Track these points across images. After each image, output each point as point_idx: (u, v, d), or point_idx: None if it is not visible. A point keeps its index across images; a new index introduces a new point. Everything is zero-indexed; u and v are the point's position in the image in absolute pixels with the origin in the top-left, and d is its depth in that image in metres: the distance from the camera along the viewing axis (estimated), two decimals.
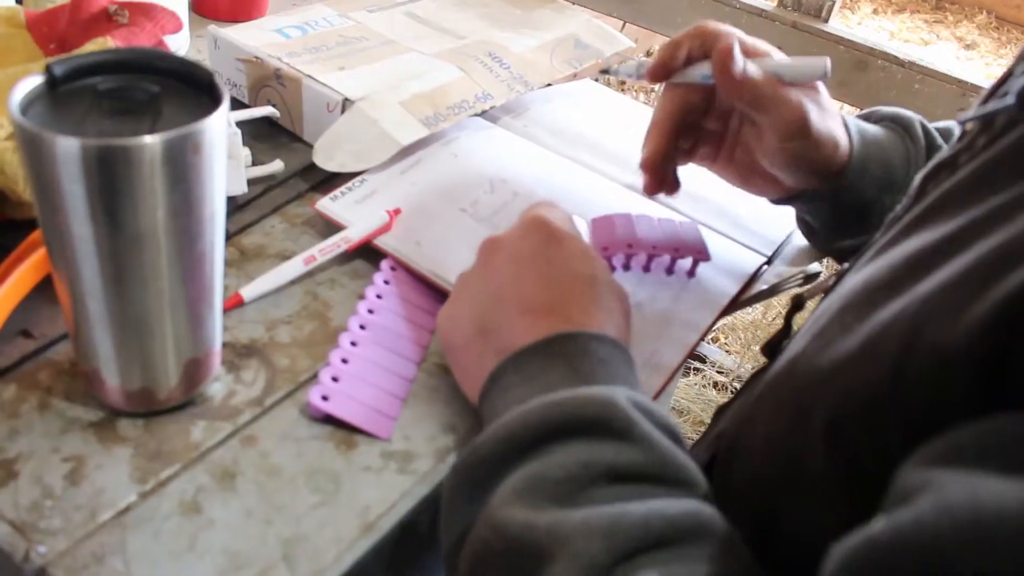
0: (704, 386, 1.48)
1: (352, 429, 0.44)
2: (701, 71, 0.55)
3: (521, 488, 0.34)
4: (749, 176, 0.60)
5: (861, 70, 1.15)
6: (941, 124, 0.61)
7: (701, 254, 0.59)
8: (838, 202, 0.57)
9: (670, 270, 0.59)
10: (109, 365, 0.41)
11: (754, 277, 0.61)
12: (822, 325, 0.36)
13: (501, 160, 0.65)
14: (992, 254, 0.29)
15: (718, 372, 1.51)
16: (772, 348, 0.54)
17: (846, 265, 0.47)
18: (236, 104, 0.68)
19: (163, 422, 0.43)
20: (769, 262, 0.63)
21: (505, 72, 0.71)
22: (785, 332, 0.54)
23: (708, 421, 1.39)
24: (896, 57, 1.13)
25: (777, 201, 0.62)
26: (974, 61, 3.22)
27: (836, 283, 0.45)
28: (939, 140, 0.59)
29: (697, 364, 1.53)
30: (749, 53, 0.54)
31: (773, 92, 0.52)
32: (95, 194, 0.35)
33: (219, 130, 0.37)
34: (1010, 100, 0.36)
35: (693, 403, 1.43)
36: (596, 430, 0.35)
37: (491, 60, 0.71)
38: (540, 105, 0.76)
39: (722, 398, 1.48)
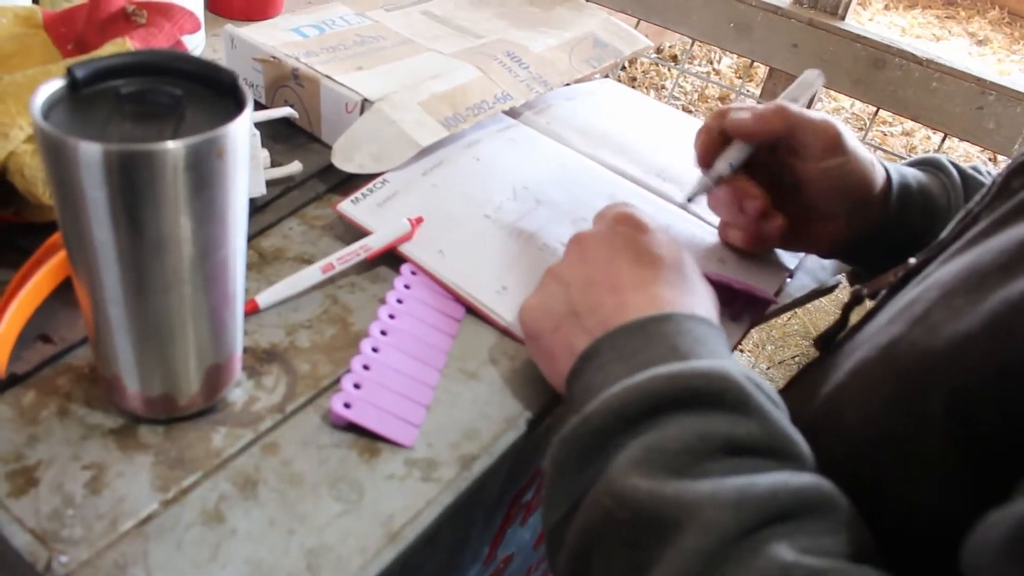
0: None
1: (375, 436, 0.43)
2: (727, 162, 0.58)
3: (640, 459, 0.34)
4: (803, 225, 0.59)
5: (878, 68, 1.14)
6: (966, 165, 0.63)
7: (764, 294, 0.57)
8: (888, 239, 0.57)
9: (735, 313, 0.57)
10: (130, 371, 0.40)
11: (779, 291, 0.61)
12: (920, 312, 0.37)
13: (523, 166, 0.64)
14: None
15: None
16: (826, 341, 0.54)
17: (912, 261, 0.46)
18: (254, 105, 0.67)
19: (184, 429, 0.42)
20: (791, 275, 0.62)
21: (524, 72, 0.70)
22: (841, 325, 0.54)
23: None
24: (913, 55, 1.12)
25: (830, 254, 0.62)
26: (986, 57, 3.19)
27: (907, 277, 0.45)
28: (971, 171, 0.61)
29: None
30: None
31: (801, 115, 0.55)
32: (117, 200, 0.34)
33: (243, 134, 0.37)
34: None
35: None
36: (710, 402, 0.36)
37: (510, 60, 0.70)
38: (562, 103, 0.75)
39: None
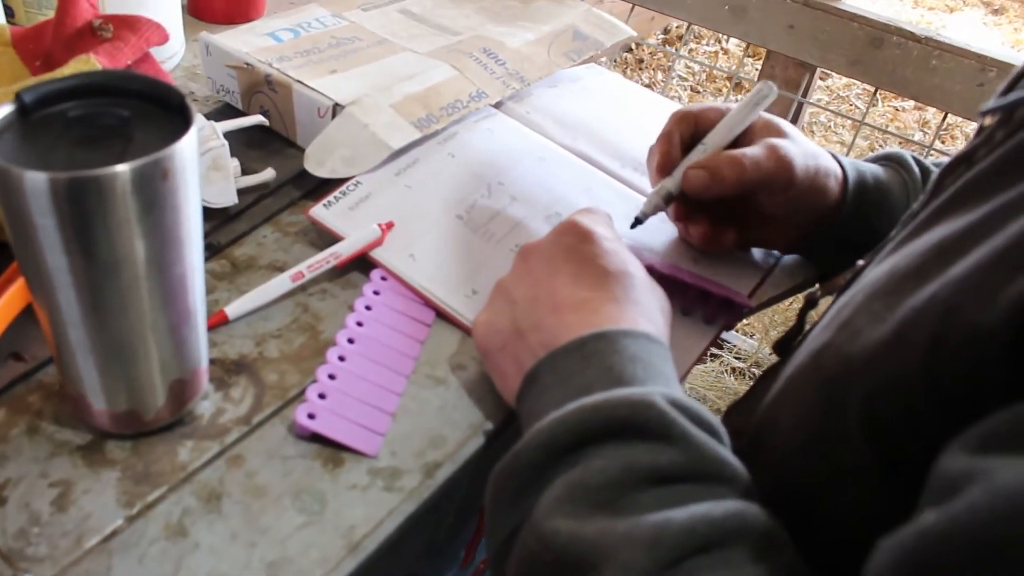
0: (722, 372, 1.46)
1: (339, 447, 0.44)
2: (676, 183, 0.56)
3: (564, 497, 0.35)
4: (757, 227, 0.59)
5: (876, 47, 1.12)
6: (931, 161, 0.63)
7: (740, 298, 0.56)
8: (845, 237, 0.56)
9: (708, 317, 0.56)
10: (94, 389, 0.41)
11: (754, 291, 0.60)
12: (847, 316, 0.37)
13: (499, 161, 0.64)
14: None
15: (736, 358, 1.49)
16: (784, 345, 0.54)
17: (860, 263, 0.46)
18: (230, 110, 0.67)
19: (151, 443, 0.43)
20: (769, 273, 0.62)
21: (500, 68, 0.69)
22: (798, 329, 0.54)
23: (724, 409, 1.38)
24: (912, 33, 1.10)
25: (788, 250, 0.62)
26: (1002, 27, 3.13)
27: (852, 280, 0.45)
28: (933, 168, 0.61)
29: (714, 350, 1.51)
30: (709, 114, 0.57)
31: (756, 167, 0.52)
32: (67, 226, 0.35)
33: (189, 153, 0.37)
34: None
35: (710, 390, 1.41)
36: (634, 432, 0.36)
37: (486, 57, 0.70)
38: (544, 90, 0.75)
39: (740, 385, 1.46)
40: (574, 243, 0.46)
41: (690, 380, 1.42)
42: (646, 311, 0.44)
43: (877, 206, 0.55)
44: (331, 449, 0.44)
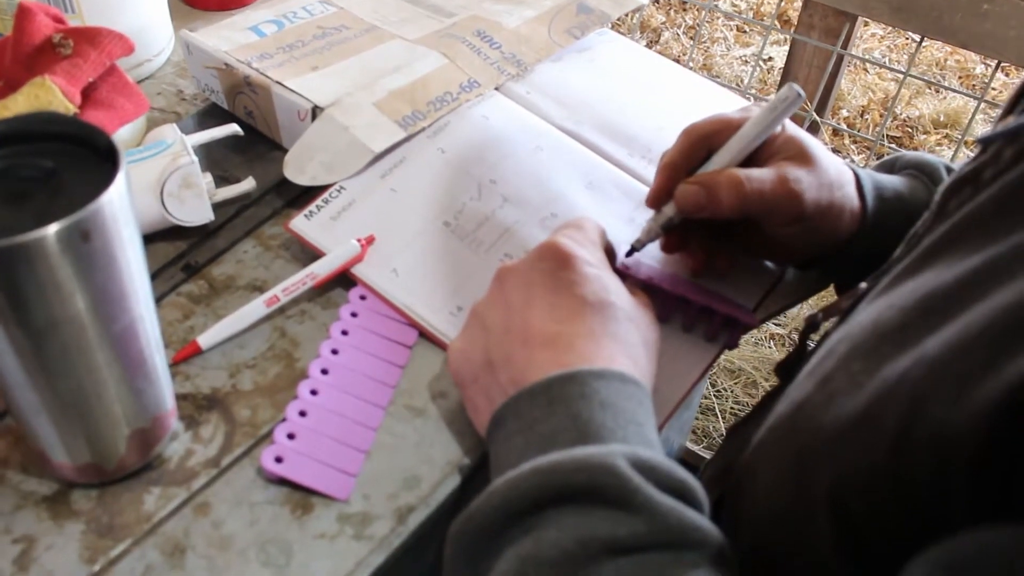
0: (759, 342, 1.40)
1: (309, 490, 0.42)
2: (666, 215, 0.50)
3: (514, 573, 0.32)
4: (764, 246, 0.54)
5: None
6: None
7: (746, 316, 0.51)
8: (861, 260, 0.51)
9: (711, 334, 0.52)
10: (52, 444, 0.40)
11: (760, 303, 0.56)
12: (828, 370, 0.33)
13: (492, 154, 0.60)
14: (1005, 315, 0.26)
15: (775, 324, 1.43)
16: (787, 369, 0.50)
17: (863, 286, 0.42)
18: (217, 110, 0.65)
19: (117, 491, 0.42)
20: (778, 281, 0.57)
21: (495, 53, 0.65)
22: (800, 353, 0.50)
23: (762, 383, 1.33)
24: None
25: (799, 267, 0.57)
26: None
27: (853, 306, 0.41)
28: None
29: None
30: (725, 132, 0.49)
31: (760, 194, 0.47)
32: None
33: (118, 204, 0.34)
34: None
35: (747, 362, 1.36)
36: (592, 498, 0.33)
37: (480, 41, 0.65)
38: (548, 65, 0.69)
39: (780, 354, 1.41)
40: (552, 269, 0.43)
41: (729, 352, 1.37)
42: (625, 346, 0.40)
43: (899, 233, 0.49)
44: (300, 493, 0.42)
